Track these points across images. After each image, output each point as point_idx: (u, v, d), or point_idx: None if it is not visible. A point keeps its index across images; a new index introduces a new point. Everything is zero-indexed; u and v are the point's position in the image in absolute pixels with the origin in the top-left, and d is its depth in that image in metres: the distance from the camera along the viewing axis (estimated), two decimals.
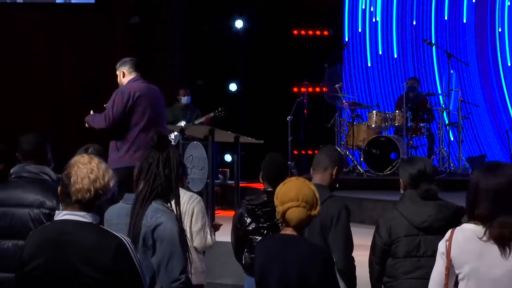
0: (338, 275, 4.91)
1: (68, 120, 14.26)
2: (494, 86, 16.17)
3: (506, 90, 16.08)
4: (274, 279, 4.30)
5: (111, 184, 3.69)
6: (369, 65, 16.19)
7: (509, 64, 16.13)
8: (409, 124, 13.87)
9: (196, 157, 10.27)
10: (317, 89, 15.09)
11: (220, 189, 13.27)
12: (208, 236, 6.05)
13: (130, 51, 14.08)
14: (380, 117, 13.91)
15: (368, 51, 16.19)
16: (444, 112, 14.18)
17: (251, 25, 15.61)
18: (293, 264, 4.26)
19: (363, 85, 16.15)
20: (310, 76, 14.47)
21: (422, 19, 16.21)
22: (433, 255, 4.27)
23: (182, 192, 5.43)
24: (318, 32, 15.98)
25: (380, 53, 16.19)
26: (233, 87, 15.68)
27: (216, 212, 10.61)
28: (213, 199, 10.20)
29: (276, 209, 4.35)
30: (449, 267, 3.85)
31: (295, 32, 15.81)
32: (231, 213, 8.16)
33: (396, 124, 14.00)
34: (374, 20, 16.18)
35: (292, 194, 4.30)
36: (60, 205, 3.82)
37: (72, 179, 3.65)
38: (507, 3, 16.08)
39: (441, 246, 3.90)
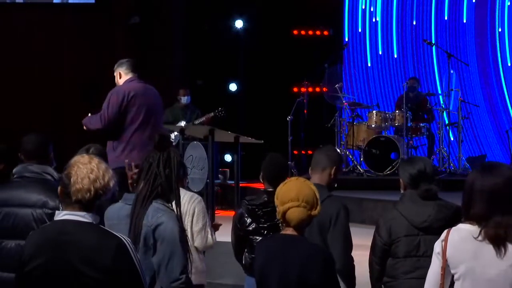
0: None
1: (68, 120, 14.24)
2: (494, 86, 16.17)
3: (506, 90, 16.08)
4: (274, 279, 4.30)
5: (111, 184, 3.69)
6: (369, 65, 16.19)
7: (509, 64, 16.13)
8: (409, 124, 13.87)
9: (196, 157, 10.27)
10: (317, 89, 15.09)
11: (220, 189, 13.27)
12: (209, 236, 6.05)
13: (130, 51, 14.10)
14: (380, 117, 13.91)
15: (368, 51, 16.19)
16: (444, 112, 14.19)
17: (251, 25, 15.61)
18: (294, 264, 4.26)
19: (363, 85, 16.15)
20: (310, 76, 14.47)
21: (422, 19, 16.21)
22: None
23: (183, 192, 5.43)
24: (318, 32, 15.97)
25: (380, 53, 16.19)
26: (233, 87, 15.68)
27: (216, 212, 10.62)
28: (213, 199, 10.21)
29: (277, 209, 4.35)
30: (445, 267, 3.86)
31: (295, 32, 15.81)
32: (231, 213, 8.17)
33: (396, 124, 14.00)
34: (374, 20, 16.19)
35: (292, 194, 4.30)
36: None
37: (72, 179, 3.65)
38: (507, 3, 16.08)
39: (437, 246, 3.90)
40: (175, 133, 12.25)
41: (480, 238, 3.77)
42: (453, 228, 3.89)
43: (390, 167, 13.45)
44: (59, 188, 3.72)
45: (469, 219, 3.83)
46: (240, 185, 10.22)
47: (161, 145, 4.57)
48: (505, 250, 3.75)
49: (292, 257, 4.27)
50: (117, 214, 4.77)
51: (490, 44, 16.19)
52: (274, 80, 15.18)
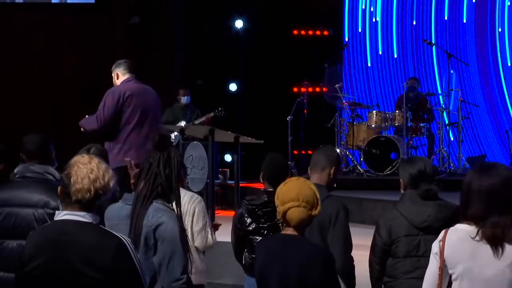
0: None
1: (68, 120, 14.21)
2: (494, 86, 16.18)
3: (506, 90, 16.08)
4: (274, 279, 4.30)
5: (111, 184, 3.69)
6: (369, 65, 16.19)
7: (509, 64, 16.14)
8: (409, 124, 13.87)
9: (196, 157, 10.27)
10: (317, 89, 15.09)
11: (220, 189, 13.27)
12: (209, 236, 6.05)
13: (130, 51, 14.12)
14: (380, 117, 13.91)
15: (368, 51, 16.20)
16: (444, 112, 14.19)
17: (251, 25, 15.61)
18: (294, 264, 4.26)
19: (363, 85, 16.15)
20: (310, 76, 14.47)
21: (422, 19, 16.21)
22: None
23: (183, 192, 5.43)
24: (318, 32, 15.98)
25: (380, 53, 16.19)
26: (233, 87, 15.69)
27: (216, 212, 10.62)
28: (213, 199, 10.21)
29: (277, 209, 4.35)
30: (443, 267, 3.87)
31: (295, 32, 15.81)
32: (231, 213, 8.17)
33: (396, 124, 14.00)
34: (374, 20, 16.19)
35: (292, 194, 4.30)
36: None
37: (72, 179, 3.65)
38: (507, 3, 16.08)
39: (435, 246, 3.91)
40: (175, 133, 12.25)
41: (477, 238, 3.77)
42: (451, 228, 3.90)
43: (390, 167, 13.45)
44: (59, 188, 3.72)
45: (467, 219, 3.84)
46: (240, 185, 10.23)
47: (161, 145, 4.57)
48: (503, 250, 3.75)
49: (292, 257, 4.27)
50: (117, 214, 4.78)
51: (490, 44, 16.20)
52: (274, 80, 15.18)
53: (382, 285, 5.41)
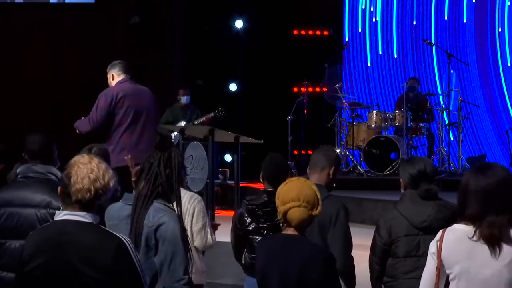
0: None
1: (68, 120, 14.14)
2: (494, 86, 16.17)
3: (506, 90, 16.08)
4: (274, 279, 4.30)
5: (111, 184, 3.69)
6: (369, 65, 16.19)
7: (509, 64, 16.13)
8: (409, 124, 13.88)
9: (196, 157, 10.27)
10: (317, 89, 15.09)
11: (220, 189, 13.27)
12: (209, 236, 6.05)
13: (130, 51, 14.13)
14: (380, 117, 13.91)
15: (368, 51, 16.20)
16: (444, 112, 14.19)
17: (251, 25, 15.61)
18: (294, 264, 4.26)
19: (363, 85, 16.15)
20: (310, 76, 14.47)
21: (422, 19, 16.21)
22: None
23: (183, 192, 5.42)
24: (318, 32, 15.98)
25: (380, 53, 16.19)
26: (233, 87, 15.69)
27: (216, 212, 10.61)
28: (213, 199, 10.20)
29: (278, 209, 4.35)
30: (440, 267, 3.87)
31: (295, 32, 15.82)
32: (231, 213, 8.16)
33: (396, 124, 14.00)
34: (374, 20, 16.19)
35: (293, 194, 4.30)
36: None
37: (72, 179, 3.65)
38: (507, 3, 16.08)
39: (432, 246, 3.91)
40: (175, 133, 12.24)
41: (475, 238, 3.78)
42: (448, 228, 3.90)
43: (390, 167, 13.45)
44: (59, 188, 3.72)
45: (464, 219, 3.84)
46: (240, 185, 10.22)
47: (162, 145, 4.58)
48: (500, 250, 3.75)
49: (293, 257, 4.27)
50: (117, 214, 4.78)
51: (490, 44, 16.19)
52: (274, 80, 15.18)
53: (382, 285, 5.42)
